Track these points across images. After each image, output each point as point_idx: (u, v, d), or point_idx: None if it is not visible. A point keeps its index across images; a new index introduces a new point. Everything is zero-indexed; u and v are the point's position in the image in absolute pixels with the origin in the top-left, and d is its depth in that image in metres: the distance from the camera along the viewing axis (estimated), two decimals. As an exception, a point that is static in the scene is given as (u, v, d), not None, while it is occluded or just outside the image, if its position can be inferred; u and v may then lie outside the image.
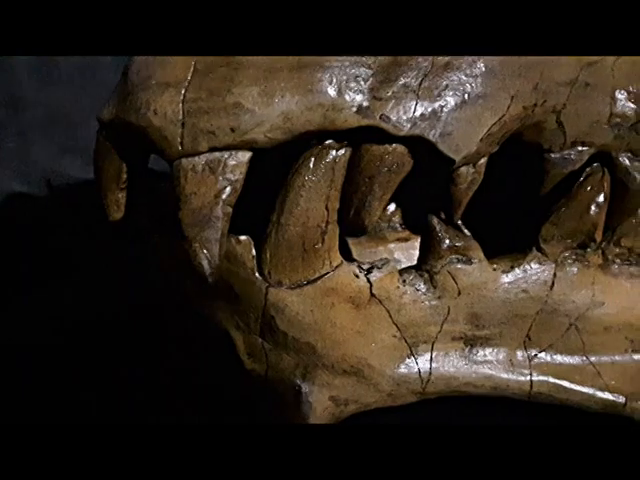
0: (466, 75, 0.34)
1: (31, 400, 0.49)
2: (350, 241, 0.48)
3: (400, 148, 0.34)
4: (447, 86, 0.33)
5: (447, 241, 0.39)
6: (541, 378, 0.43)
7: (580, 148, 0.40)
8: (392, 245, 0.50)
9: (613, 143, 0.41)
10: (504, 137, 0.36)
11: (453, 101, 0.33)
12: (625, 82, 0.40)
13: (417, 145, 0.33)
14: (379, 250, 0.49)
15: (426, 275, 0.40)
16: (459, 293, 0.40)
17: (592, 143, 0.40)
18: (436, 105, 0.33)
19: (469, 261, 0.40)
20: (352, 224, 0.35)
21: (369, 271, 0.37)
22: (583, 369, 0.44)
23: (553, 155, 0.40)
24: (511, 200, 0.45)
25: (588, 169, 0.42)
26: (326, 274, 0.36)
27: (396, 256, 0.50)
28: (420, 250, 0.40)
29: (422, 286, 0.39)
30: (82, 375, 0.51)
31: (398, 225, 0.51)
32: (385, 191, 0.35)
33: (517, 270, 0.42)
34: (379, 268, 0.37)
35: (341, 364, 0.37)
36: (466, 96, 0.33)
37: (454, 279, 0.40)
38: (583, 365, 0.44)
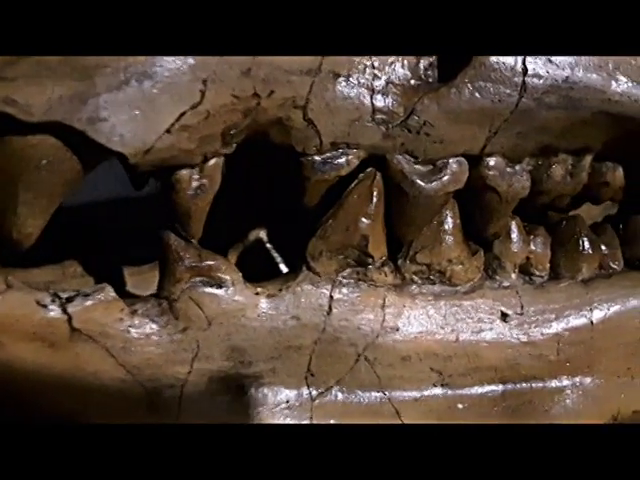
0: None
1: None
2: (126, 270, 0.42)
3: (50, 140, 0.28)
4: (97, 64, 0.27)
5: (187, 261, 0.33)
6: (324, 422, 0.36)
7: (343, 150, 0.35)
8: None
9: (384, 144, 0.36)
10: (230, 134, 0.31)
11: (105, 81, 0.27)
12: (389, 72, 0.35)
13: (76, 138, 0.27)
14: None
15: (165, 304, 0.33)
16: (209, 323, 0.34)
17: (358, 144, 0.35)
18: (81, 85, 0.27)
19: (219, 285, 0.34)
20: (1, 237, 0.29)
21: (69, 300, 0.31)
22: (379, 408, 0.37)
23: (310, 159, 0.35)
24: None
25: (361, 175, 0.37)
26: (-23, 305, 0.30)
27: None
28: (159, 274, 0.34)
29: (159, 317, 0.33)
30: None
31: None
32: (37, 194, 0.29)
33: (285, 293, 0.36)
34: (86, 296, 0.31)
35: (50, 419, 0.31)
36: (125, 75, 0.28)
37: (200, 307, 0.34)
38: (379, 404, 0.38)
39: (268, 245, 0.48)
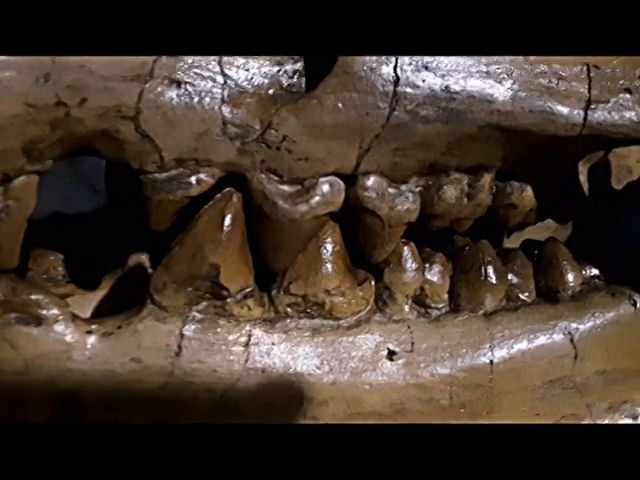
0: None
1: None
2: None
3: None
4: None
5: (-5, 295, 0.29)
6: (171, 478, 0.32)
7: (193, 167, 0.31)
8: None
9: (241, 161, 0.31)
10: (37, 149, 0.26)
11: None
12: (242, 80, 0.31)
13: None
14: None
15: (-27, 344, 0.29)
16: (27, 367, 0.29)
17: (209, 161, 0.31)
18: None
19: (37, 322, 0.30)
20: None
21: None
22: (241, 461, 0.33)
23: (150, 176, 0.30)
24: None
25: (217, 195, 0.32)
26: None
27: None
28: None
29: (-33, 360, 0.29)
30: None
31: (61, 277, 0.40)
32: None
33: (125, 331, 0.31)
34: None
35: None
36: None
37: (14, 347, 0.29)
38: (242, 455, 0.34)
39: (150, 271, 0.43)
